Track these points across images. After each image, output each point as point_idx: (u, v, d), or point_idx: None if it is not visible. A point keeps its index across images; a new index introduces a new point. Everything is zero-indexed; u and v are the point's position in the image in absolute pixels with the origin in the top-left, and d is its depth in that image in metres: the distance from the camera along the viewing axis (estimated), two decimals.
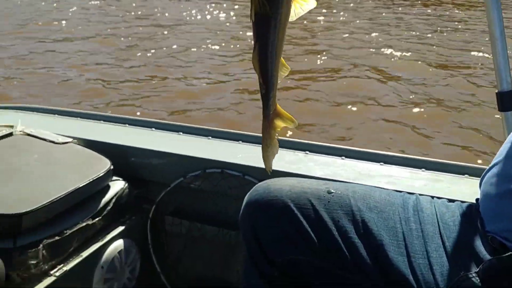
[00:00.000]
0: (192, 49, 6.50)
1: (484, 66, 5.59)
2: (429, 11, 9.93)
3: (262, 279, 0.93)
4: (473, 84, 4.89)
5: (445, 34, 7.57)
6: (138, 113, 4.07)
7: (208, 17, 9.35)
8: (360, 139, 3.59)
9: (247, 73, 5.34)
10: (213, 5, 10.56)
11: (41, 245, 1.10)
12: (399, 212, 0.88)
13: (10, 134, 1.43)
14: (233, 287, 1.42)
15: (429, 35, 7.45)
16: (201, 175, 1.37)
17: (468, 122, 3.84)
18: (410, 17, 9.18)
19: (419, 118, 4.01)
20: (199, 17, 9.33)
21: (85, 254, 1.22)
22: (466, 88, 4.76)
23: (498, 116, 1.13)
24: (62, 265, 1.16)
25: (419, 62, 5.80)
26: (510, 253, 0.74)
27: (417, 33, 7.59)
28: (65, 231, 1.16)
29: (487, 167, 0.89)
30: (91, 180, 1.25)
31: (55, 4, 10.48)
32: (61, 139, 1.43)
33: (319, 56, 6.11)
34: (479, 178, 0.91)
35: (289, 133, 3.36)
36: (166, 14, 9.57)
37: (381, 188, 1.01)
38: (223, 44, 6.79)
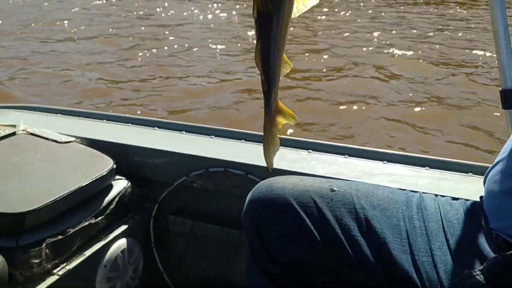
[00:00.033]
0: (194, 49, 6.51)
1: (487, 65, 5.58)
2: (431, 9, 9.91)
3: (265, 277, 0.93)
4: (475, 83, 4.88)
5: (447, 32, 7.55)
6: (140, 112, 4.08)
7: (210, 16, 9.36)
8: (362, 138, 3.59)
9: (249, 72, 5.34)
10: (215, 4, 10.56)
11: (44, 244, 1.10)
12: (403, 210, 0.88)
13: (13, 134, 1.43)
14: (236, 286, 1.42)
15: (431, 34, 7.43)
16: (204, 174, 1.37)
17: (471, 120, 3.83)
18: (412, 15, 9.16)
19: (421, 117, 4.00)
20: (201, 16, 9.34)
21: (88, 253, 1.21)
22: (468, 87, 4.75)
23: (498, 113, 1.12)
24: (65, 264, 1.16)
25: (421, 61, 5.79)
26: None
27: (419, 32, 7.58)
28: (68, 230, 1.16)
29: (491, 165, 0.88)
30: (94, 179, 1.25)
31: (57, 5, 10.50)
32: (63, 138, 1.43)
33: (320, 55, 6.11)
34: (483, 176, 0.91)
35: (290, 131, 3.36)
36: (168, 14, 9.58)
37: (384, 186, 1.00)
38: (225, 44, 6.79)
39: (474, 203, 0.90)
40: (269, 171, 0.76)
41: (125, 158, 1.42)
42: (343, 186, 0.92)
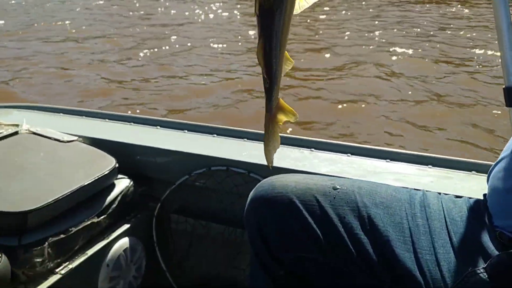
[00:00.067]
0: (195, 48, 6.51)
1: (488, 63, 5.57)
2: (433, 8, 9.89)
3: (268, 276, 0.92)
4: (477, 81, 4.87)
5: (448, 31, 7.54)
6: (142, 112, 4.08)
7: (211, 16, 9.36)
8: (363, 136, 3.58)
9: (250, 71, 5.34)
10: (217, 4, 10.56)
11: (46, 243, 1.10)
12: (406, 208, 0.88)
13: (16, 133, 1.43)
14: (239, 285, 1.42)
15: (433, 33, 7.42)
16: (206, 172, 1.36)
17: (472, 118, 3.82)
18: (414, 14, 9.15)
19: (422, 115, 3.99)
20: (202, 16, 9.34)
21: (90, 252, 1.21)
22: (469, 85, 4.74)
23: (500, 112, 1.12)
24: (67, 263, 1.16)
25: (423, 59, 5.78)
26: None
27: (421, 31, 7.57)
28: (70, 229, 1.16)
29: (495, 162, 0.88)
30: (97, 178, 1.25)
31: (59, 5, 10.52)
32: (66, 138, 1.43)
33: (321, 53, 6.10)
34: (487, 175, 0.90)
35: (290, 129, 3.36)
36: (170, 13, 9.58)
37: (387, 184, 1.00)
38: (226, 43, 6.79)
39: (478, 201, 0.89)
40: (270, 169, 0.75)
41: (127, 157, 1.42)
42: (346, 184, 0.92)
